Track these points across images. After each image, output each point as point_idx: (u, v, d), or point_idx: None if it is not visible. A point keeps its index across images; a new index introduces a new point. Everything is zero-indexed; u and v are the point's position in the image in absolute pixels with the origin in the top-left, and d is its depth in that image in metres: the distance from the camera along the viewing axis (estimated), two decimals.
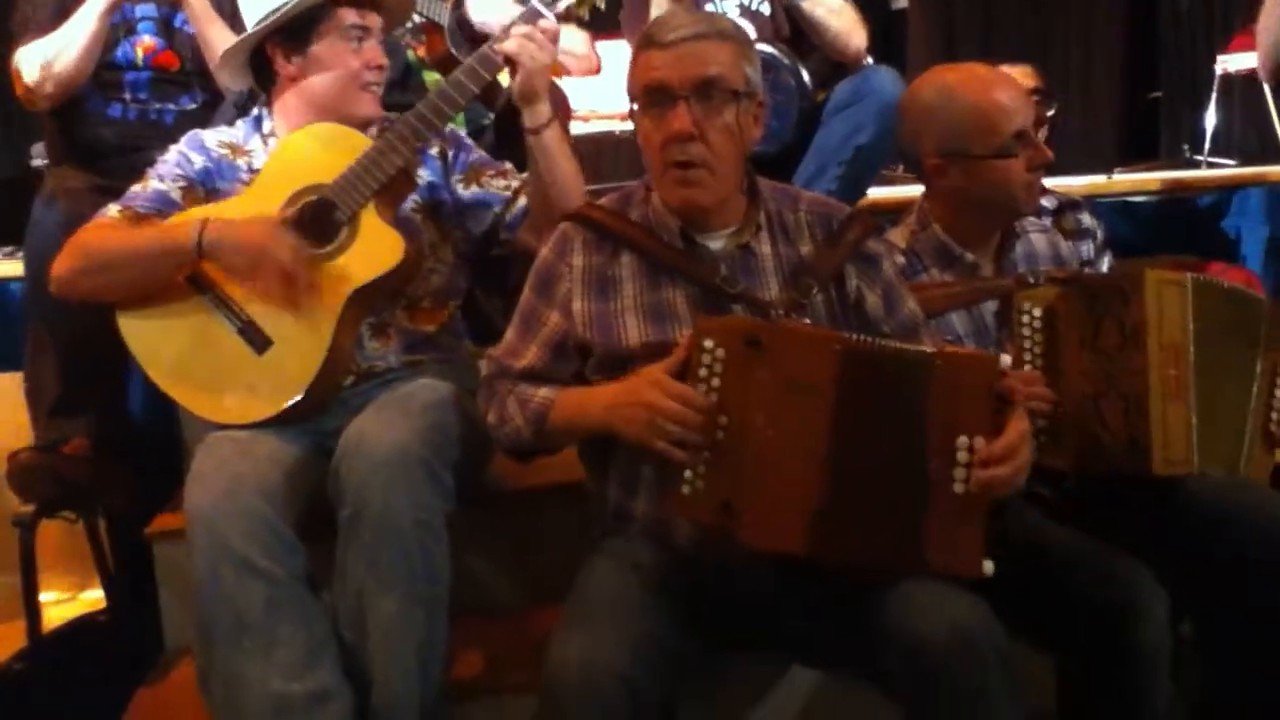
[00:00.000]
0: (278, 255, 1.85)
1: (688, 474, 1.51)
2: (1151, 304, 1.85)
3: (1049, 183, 2.92)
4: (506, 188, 2.08)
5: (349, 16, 2.01)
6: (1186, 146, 5.57)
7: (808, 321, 1.68)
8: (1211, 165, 5.22)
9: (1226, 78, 5.18)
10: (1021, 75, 2.77)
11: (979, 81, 1.98)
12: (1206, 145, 5.27)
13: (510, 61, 1.95)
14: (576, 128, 4.55)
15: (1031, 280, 1.98)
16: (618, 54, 2.90)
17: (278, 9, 1.98)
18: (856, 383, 1.52)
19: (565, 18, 2.03)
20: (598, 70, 2.88)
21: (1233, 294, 1.98)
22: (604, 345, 1.69)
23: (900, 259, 2.03)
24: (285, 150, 2.00)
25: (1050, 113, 2.78)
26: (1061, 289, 1.93)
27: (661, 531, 1.66)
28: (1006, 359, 1.58)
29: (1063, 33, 6.32)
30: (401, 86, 2.66)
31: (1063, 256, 2.16)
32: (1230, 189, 3.23)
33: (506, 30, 1.95)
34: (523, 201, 2.06)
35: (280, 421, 1.89)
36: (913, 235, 2.06)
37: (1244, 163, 5.16)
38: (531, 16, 1.97)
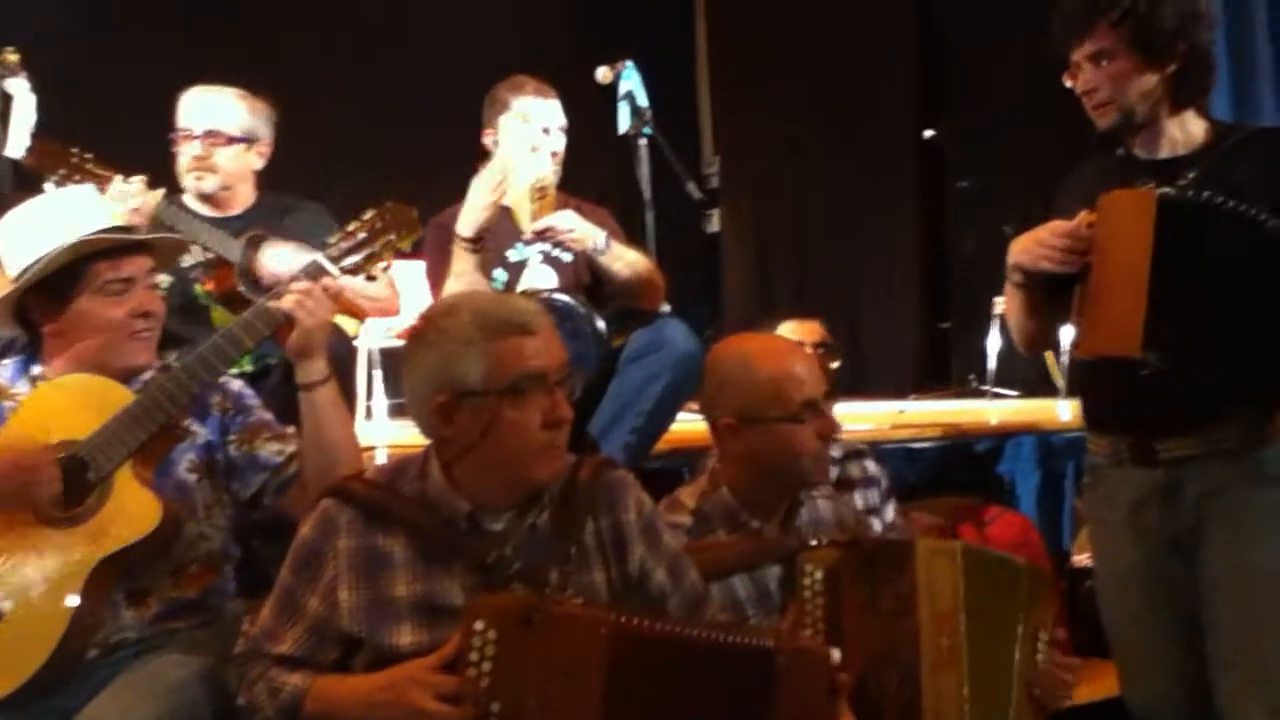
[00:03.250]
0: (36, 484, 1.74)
1: None
2: (922, 574, 1.92)
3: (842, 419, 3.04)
4: (280, 452, 2.00)
5: (105, 272, 1.92)
6: (973, 376, 5.94)
7: (580, 601, 1.64)
8: (996, 395, 5.61)
9: (1004, 317, 5.57)
10: (810, 331, 2.92)
11: (775, 353, 2.11)
12: (990, 375, 5.65)
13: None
14: (388, 341, 4.54)
15: (813, 542, 2.02)
16: (413, 274, 2.93)
17: (30, 266, 1.91)
18: (632, 666, 1.49)
19: (354, 272, 2.02)
20: (396, 311, 2.88)
21: (1002, 562, 2.06)
22: (372, 643, 1.62)
23: (688, 519, 2.06)
24: (34, 404, 1.89)
25: (835, 365, 2.92)
26: (842, 552, 1.97)
27: None
28: (836, 653, 1.60)
29: (868, 262, 6.73)
30: (185, 319, 2.59)
31: (847, 523, 2.23)
32: (1004, 436, 3.42)
33: (286, 284, 1.93)
34: (294, 469, 1.98)
35: (12, 703, 1.72)
36: (703, 496, 2.10)
37: (1025, 393, 5.56)
38: (314, 272, 1.94)
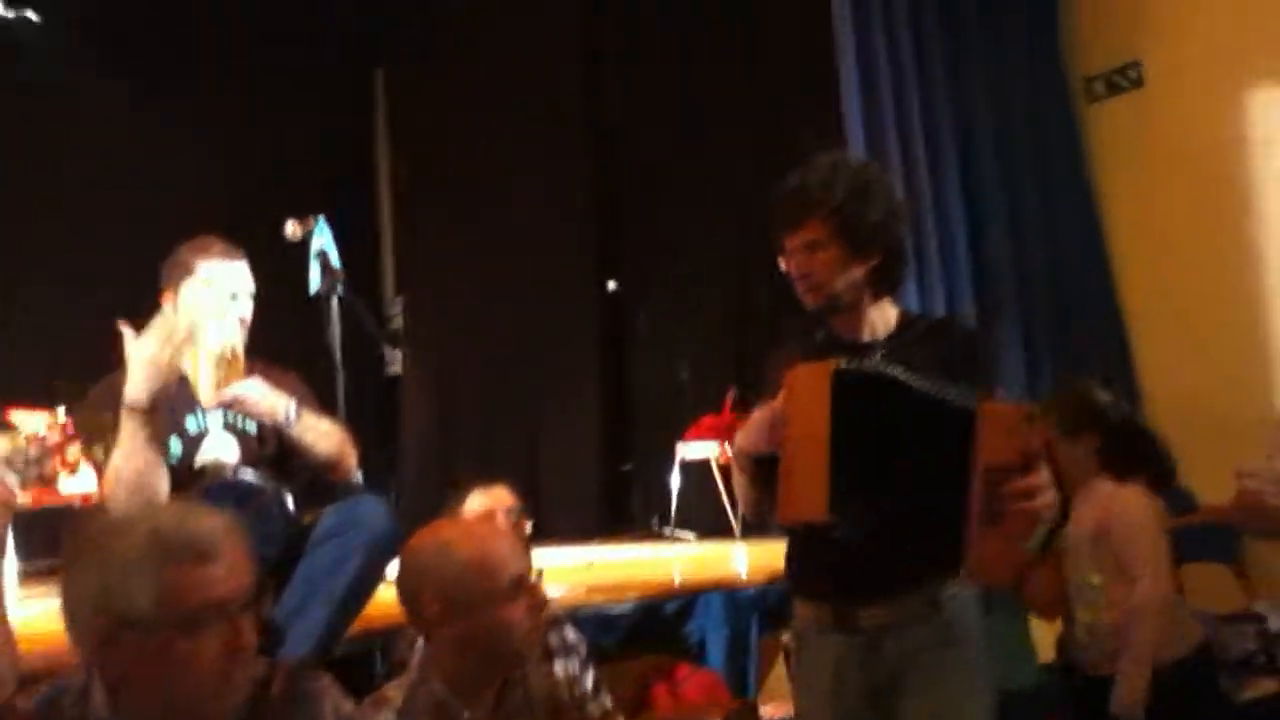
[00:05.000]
0: None
1: None
2: None
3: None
4: None
5: None
6: (657, 517, 6.11)
7: None
8: (675, 539, 5.80)
9: (684, 462, 5.82)
10: (498, 498, 2.87)
11: (475, 536, 2.14)
12: (673, 515, 5.84)
13: None
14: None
15: None
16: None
17: None
18: None
19: (38, 483, 1.79)
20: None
21: None
22: None
23: (391, 717, 1.97)
24: None
25: (528, 529, 2.90)
26: None
27: None
28: None
29: (550, 407, 6.81)
30: None
31: (560, 701, 2.21)
32: (694, 595, 3.50)
33: None
34: None
35: None
36: (411, 690, 2.03)
37: (702, 535, 5.76)
38: None
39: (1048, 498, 1.99)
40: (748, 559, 4.64)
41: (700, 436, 5.70)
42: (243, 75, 6.63)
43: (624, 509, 6.60)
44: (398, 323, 7.91)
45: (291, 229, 3.63)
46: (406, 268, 7.72)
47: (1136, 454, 3.13)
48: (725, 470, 5.46)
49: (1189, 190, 5.27)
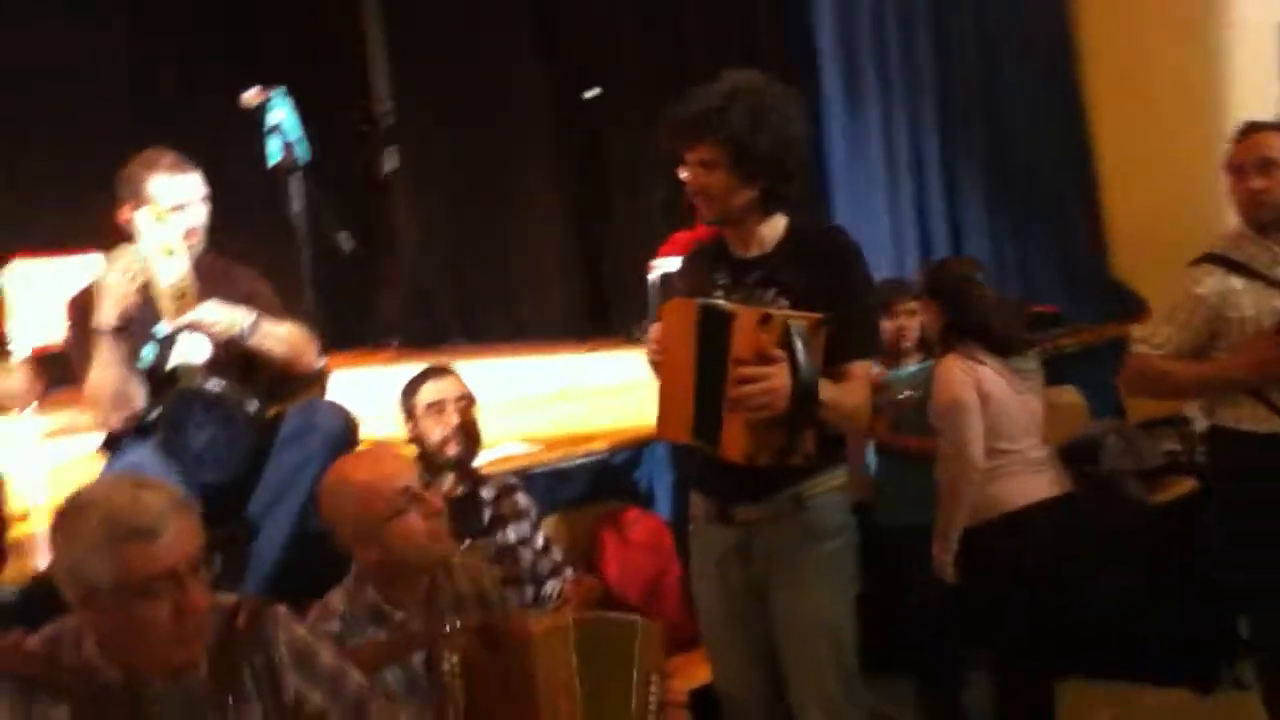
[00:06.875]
0: None
1: None
2: (540, 653, 2.19)
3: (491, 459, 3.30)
4: None
5: None
6: (633, 327, 6.30)
7: None
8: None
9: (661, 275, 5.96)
10: (450, 386, 3.07)
11: (365, 461, 2.38)
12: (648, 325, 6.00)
13: None
14: None
15: (449, 628, 2.24)
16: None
17: None
18: None
19: None
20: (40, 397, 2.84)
21: (612, 624, 2.41)
22: None
23: (337, 624, 2.25)
24: None
25: (476, 414, 3.09)
26: (474, 636, 2.20)
27: None
28: None
29: (528, 220, 6.93)
30: None
31: (486, 594, 2.47)
32: (641, 445, 3.77)
33: None
34: None
35: None
36: (350, 597, 2.29)
37: None
38: None
39: (762, 386, 2.20)
40: None
41: (674, 252, 5.81)
42: None
43: (603, 317, 6.79)
44: (390, 120, 7.89)
45: (249, 96, 3.66)
46: (396, 67, 7.68)
47: (964, 327, 3.25)
48: None
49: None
